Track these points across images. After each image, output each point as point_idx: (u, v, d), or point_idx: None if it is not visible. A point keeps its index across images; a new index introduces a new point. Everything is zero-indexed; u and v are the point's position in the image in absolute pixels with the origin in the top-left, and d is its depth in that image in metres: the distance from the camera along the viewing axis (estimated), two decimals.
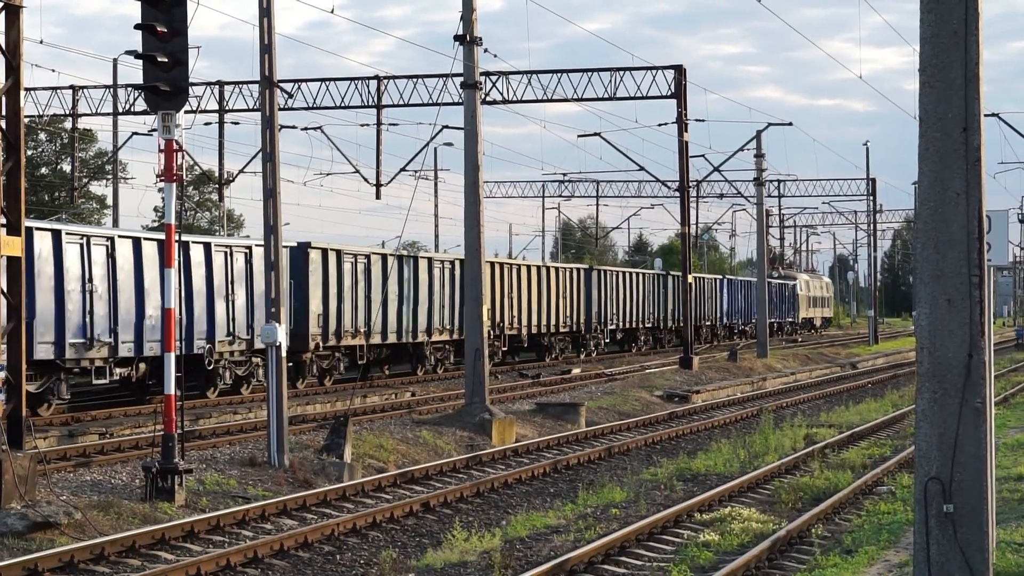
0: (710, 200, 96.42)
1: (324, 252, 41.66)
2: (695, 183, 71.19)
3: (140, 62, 21.50)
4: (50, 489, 20.76)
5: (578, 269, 63.23)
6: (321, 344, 41.16)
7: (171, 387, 21.51)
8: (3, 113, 19.70)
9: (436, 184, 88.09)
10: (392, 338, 45.74)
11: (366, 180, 57.89)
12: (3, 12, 19.72)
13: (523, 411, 36.56)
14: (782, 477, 24.94)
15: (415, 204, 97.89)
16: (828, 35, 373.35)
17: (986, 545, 11.12)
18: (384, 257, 45.41)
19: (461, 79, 34.09)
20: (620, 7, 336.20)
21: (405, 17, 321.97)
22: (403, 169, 57.74)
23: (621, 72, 52.20)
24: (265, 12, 25.60)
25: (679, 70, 52.72)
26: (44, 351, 30.02)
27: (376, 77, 53.87)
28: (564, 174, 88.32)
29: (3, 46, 19.72)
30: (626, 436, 33.50)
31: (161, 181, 21.76)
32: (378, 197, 58.24)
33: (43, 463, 21.30)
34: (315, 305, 40.82)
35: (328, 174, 63.53)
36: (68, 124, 64.69)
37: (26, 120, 23.71)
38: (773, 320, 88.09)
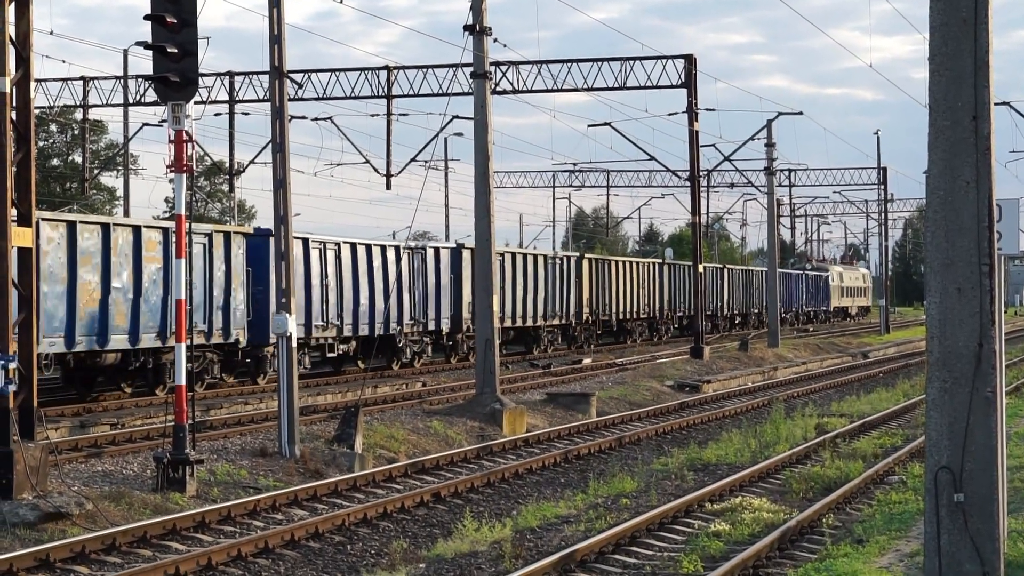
0: (721, 189, 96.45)
1: (473, 252, 43.55)
2: (706, 172, 71.21)
3: (150, 53, 21.54)
4: (61, 480, 20.79)
5: (653, 263, 70.25)
6: (471, 327, 47.65)
7: (182, 378, 21.54)
8: (14, 104, 19.70)
9: (446, 174, 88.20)
10: (518, 322, 54.44)
11: (376, 170, 57.99)
12: (13, 3, 19.72)
13: (534, 401, 36.58)
14: (793, 467, 24.91)
15: (425, 194, 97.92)
16: (835, 23, 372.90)
17: (997, 534, 11.11)
18: (513, 255, 54.37)
19: (471, 69, 34.10)
20: None
21: (411, 7, 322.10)
22: (413, 159, 57.85)
23: (631, 61, 52.16)
24: (275, 2, 25.58)
25: (689, 59, 52.64)
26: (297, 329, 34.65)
27: (386, 67, 53.85)
28: (574, 164, 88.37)
29: (13, 37, 19.71)
30: (637, 426, 33.50)
31: (171, 172, 21.78)
32: (388, 187, 58.31)
33: (54, 454, 21.34)
34: (467, 295, 48.66)
35: (338, 164, 63.74)
36: (79, 115, 64.79)
37: (37, 111, 23.75)
38: (810, 308, 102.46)
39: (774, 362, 56.31)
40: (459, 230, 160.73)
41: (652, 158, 61.80)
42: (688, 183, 56.35)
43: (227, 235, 36.62)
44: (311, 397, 35.34)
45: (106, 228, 31.93)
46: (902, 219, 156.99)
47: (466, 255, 48.44)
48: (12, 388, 19.12)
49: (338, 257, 42.02)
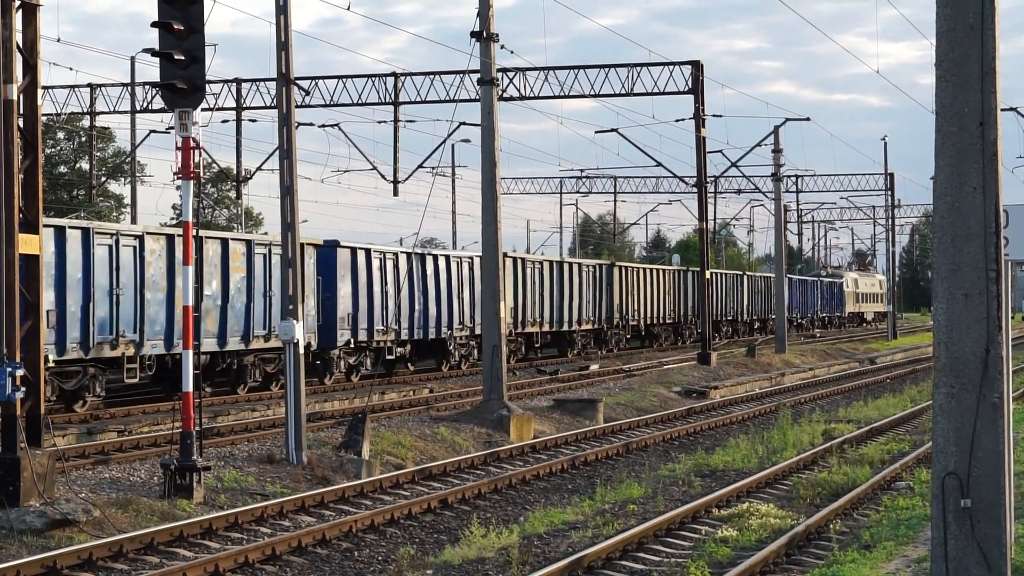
0: (728, 196, 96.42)
1: (515, 260, 54.20)
2: (713, 179, 71.21)
3: (157, 60, 21.56)
4: (69, 487, 20.80)
5: (679, 271, 73.91)
6: (513, 331, 52.73)
7: (189, 384, 21.54)
8: (21, 111, 19.74)
9: (453, 181, 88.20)
10: (554, 327, 57.68)
11: (383, 177, 58.08)
12: (20, 10, 19.75)
13: (541, 407, 36.57)
14: (800, 473, 24.91)
15: (432, 201, 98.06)
16: (841, 29, 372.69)
17: (1004, 540, 11.10)
18: (551, 263, 57.52)
19: (478, 76, 34.10)
20: (632, 2, 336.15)
21: (417, 13, 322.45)
22: (420, 166, 57.94)
23: (638, 68, 52.14)
24: (282, 9, 25.61)
25: (696, 66, 52.63)
26: (361, 333, 43.17)
27: (393, 74, 53.89)
28: (581, 170, 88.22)
29: (20, 44, 19.75)
30: (644, 432, 33.48)
31: (179, 179, 21.80)
32: (395, 194, 58.36)
33: (62, 460, 21.36)
34: (508, 301, 51.35)
35: (345, 171, 63.72)
36: (86, 122, 64.87)
37: (44, 118, 23.78)
38: (824, 314, 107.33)
39: (781, 368, 56.26)
40: (466, 236, 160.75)
41: (659, 164, 61.82)
42: (695, 189, 56.38)
43: (302, 246, 36.24)
44: (318, 404, 35.35)
45: (199, 240, 31.31)
46: (909, 225, 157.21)
47: (508, 263, 51.58)
48: (19, 395, 19.14)
49: (396, 266, 45.49)
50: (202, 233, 33.92)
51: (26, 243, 19.62)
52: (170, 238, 33.57)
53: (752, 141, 65.22)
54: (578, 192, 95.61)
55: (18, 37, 19.66)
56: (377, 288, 43.87)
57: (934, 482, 11.10)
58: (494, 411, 32.17)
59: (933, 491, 11.12)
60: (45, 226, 24.38)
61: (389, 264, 45.14)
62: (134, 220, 63.14)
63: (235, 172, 62.98)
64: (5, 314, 19.14)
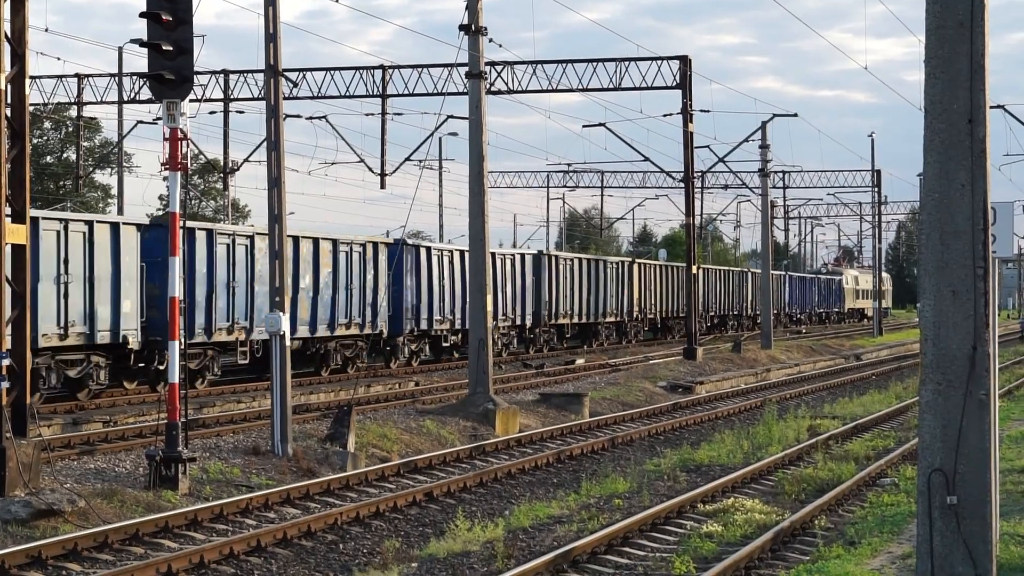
0: (715, 191, 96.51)
1: (550, 258, 59.55)
2: (700, 174, 71.21)
3: (145, 50, 21.52)
4: (54, 477, 20.78)
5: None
6: (547, 322, 58.54)
7: (175, 375, 21.52)
8: (8, 101, 19.69)
9: (440, 174, 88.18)
10: (582, 319, 62.16)
11: (371, 169, 57.94)
12: (8, 0, 19.70)
13: (527, 401, 36.57)
14: (785, 468, 24.92)
15: (419, 194, 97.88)
16: (827, 26, 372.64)
17: (989, 537, 11.13)
18: (580, 260, 62.24)
19: (466, 69, 34.08)
20: None
21: (402, 6, 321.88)
22: (408, 159, 57.92)
23: (626, 62, 52.18)
24: (270, 1, 25.58)
25: (684, 60, 52.66)
26: (423, 322, 47.34)
27: (381, 67, 53.85)
28: (569, 164, 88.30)
29: (8, 34, 19.70)
30: (630, 427, 33.50)
31: (166, 170, 21.76)
32: (383, 187, 58.22)
33: (47, 451, 21.33)
34: (545, 295, 57.35)
35: (333, 163, 63.58)
36: (73, 112, 64.73)
37: (31, 108, 23.75)
38: (821, 310, 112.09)
39: (767, 363, 56.31)
40: (452, 230, 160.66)
41: (646, 159, 61.93)
42: (682, 184, 56.46)
43: (375, 245, 44.26)
44: (304, 396, 35.33)
45: (295, 240, 38.96)
46: (896, 222, 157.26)
47: (545, 260, 57.92)
48: (5, 385, 19.11)
49: (451, 262, 49.76)
50: (297, 234, 39.53)
51: (13, 232, 19.58)
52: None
53: (738, 136, 65.51)
54: (565, 186, 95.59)
55: (6, 26, 19.61)
56: (436, 283, 48.25)
57: (920, 478, 11.12)
58: (480, 404, 32.17)
59: (919, 487, 11.13)
60: (188, 228, 28.65)
61: (446, 260, 49.46)
62: (120, 211, 63.00)
63: (222, 163, 62.89)
64: None
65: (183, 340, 22.48)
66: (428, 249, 48.59)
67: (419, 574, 16.18)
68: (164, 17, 21.06)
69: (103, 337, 31.76)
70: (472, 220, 33.55)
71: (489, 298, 33.65)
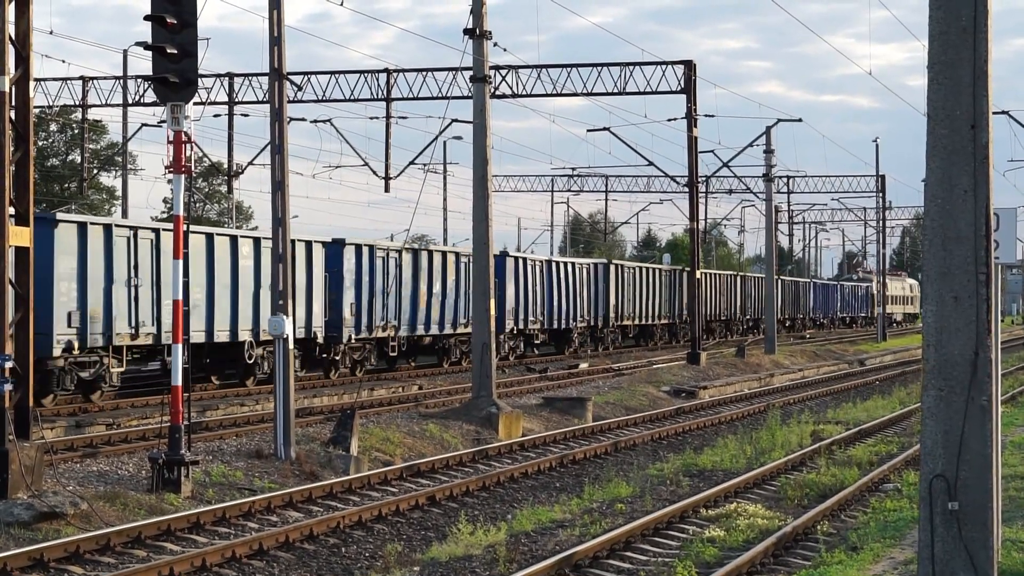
0: (719, 196, 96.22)
1: (617, 267, 66.29)
2: (704, 178, 71.14)
3: (150, 53, 21.54)
4: (56, 479, 20.79)
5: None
6: (613, 324, 65.27)
7: (178, 378, 21.52)
8: (13, 103, 19.70)
9: (445, 178, 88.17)
10: (643, 320, 69.59)
11: (375, 173, 57.92)
12: (12, 2, 19.72)
13: (530, 405, 36.57)
14: (788, 473, 24.93)
15: (423, 197, 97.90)
16: (831, 30, 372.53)
17: (991, 543, 11.11)
18: (630, 267, 68.30)
19: (470, 73, 34.07)
20: (621, 1, 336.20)
21: (406, 9, 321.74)
22: (412, 162, 57.82)
23: (630, 67, 52.10)
24: (275, 4, 25.58)
25: (689, 65, 52.61)
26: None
27: (386, 70, 53.82)
28: (573, 168, 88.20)
29: (12, 36, 19.71)
30: (633, 431, 33.50)
31: (170, 172, 21.78)
32: (387, 190, 58.23)
33: (50, 453, 21.34)
34: (612, 299, 64.64)
35: (337, 167, 63.57)
36: (78, 115, 64.76)
37: (36, 111, 23.74)
38: (845, 315, 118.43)
39: (771, 368, 56.30)
40: (457, 233, 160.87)
41: (651, 163, 61.81)
42: (686, 189, 56.34)
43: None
44: (307, 399, 35.33)
45: (430, 254, 48.72)
46: (900, 227, 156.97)
47: (612, 268, 65.19)
48: (8, 387, 19.11)
49: (536, 270, 56.46)
50: (431, 248, 50.00)
51: (17, 235, 19.59)
52: (415, 252, 47.63)
53: (743, 141, 65.60)
54: (569, 191, 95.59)
55: (11, 29, 19.62)
56: (526, 289, 55.23)
57: (922, 484, 11.11)
58: (483, 408, 32.17)
59: (921, 493, 11.12)
60: (347, 244, 43.01)
61: (531, 268, 56.11)
62: (125, 213, 63.04)
63: (226, 166, 62.93)
64: None
65: (185, 341, 22.44)
66: (517, 259, 55.57)
67: None
68: (168, 20, 21.08)
69: (300, 333, 38.77)
70: (476, 224, 33.54)
71: (493, 303, 33.65)
